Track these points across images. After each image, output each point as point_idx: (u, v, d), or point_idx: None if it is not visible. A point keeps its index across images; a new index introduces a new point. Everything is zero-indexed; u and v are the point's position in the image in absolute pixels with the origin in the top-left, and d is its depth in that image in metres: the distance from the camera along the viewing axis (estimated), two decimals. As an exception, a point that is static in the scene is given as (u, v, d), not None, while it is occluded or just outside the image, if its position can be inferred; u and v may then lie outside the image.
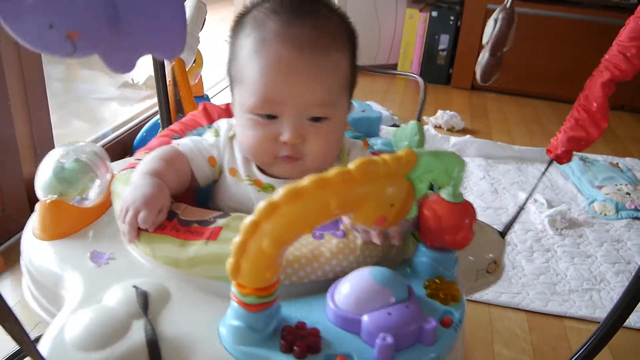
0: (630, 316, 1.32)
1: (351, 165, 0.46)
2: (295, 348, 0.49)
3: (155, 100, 1.53)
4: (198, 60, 1.78)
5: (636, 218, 1.83)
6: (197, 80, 1.83)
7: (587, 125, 0.74)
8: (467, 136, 2.38)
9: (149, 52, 0.42)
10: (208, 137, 0.80)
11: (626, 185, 1.98)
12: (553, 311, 1.37)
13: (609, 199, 1.90)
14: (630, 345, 1.28)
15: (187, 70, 1.64)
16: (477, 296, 1.37)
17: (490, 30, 0.87)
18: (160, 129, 1.38)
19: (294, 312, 0.54)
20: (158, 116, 1.25)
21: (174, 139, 0.83)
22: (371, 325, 0.50)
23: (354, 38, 0.75)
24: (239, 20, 0.74)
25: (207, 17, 1.56)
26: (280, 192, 0.45)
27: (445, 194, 0.60)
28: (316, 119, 0.71)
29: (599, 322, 0.86)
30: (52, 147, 1.58)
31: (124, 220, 0.64)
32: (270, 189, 0.75)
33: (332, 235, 0.63)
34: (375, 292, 0.52)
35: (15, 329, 0.46)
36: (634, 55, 0.69)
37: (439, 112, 2.58)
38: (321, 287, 0.59)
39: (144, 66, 1.34)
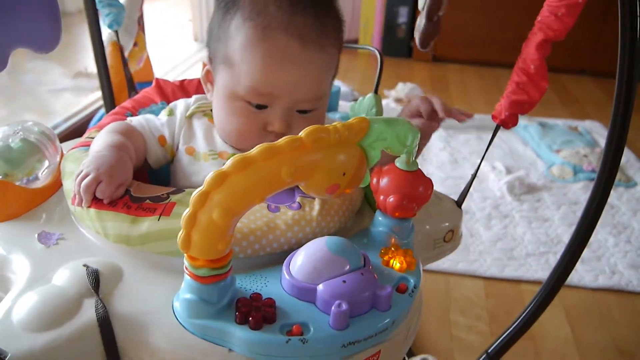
0: (585, 276, 1.38)
1: (302, 134, 0.46)
2: (250, 319, 0.48)
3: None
4: (141, 44, 1.71)
5: (593, 179, 1.88)
6: (142, 64, 1.76)
7: (527, 88, 0.75)
8: (428, 108, 2.40)
9: (20, 46, 0.40)
10: (161, 115, 0.77)
11: (584, 147, 2.03)
12: (509, 276, 1.41)
13: (567, 162, 1.95)
14: (584, 305, 1.33)
15: (127, 54, 1.57)
16: (434, 266, 1.39)
17: None
18: (105, 112, 1.34)
19: (250, 284, 0.54)
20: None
21: (127, 116, 0.81)
22: (326, 293, 0.50)
23: (344, 29, 0.73)
24: None
25: (162, 1, 1.51)
26: (229, 162, 0.44)
27: (399, 162, 0.60)
28: (304, 111, 0.70)
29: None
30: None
31: (80, 182, 0.62)
32: None
33: (287, 208, 0.62)
34: (330, 262, 0.52)
35: None
36: (564, 14, 0.70)
37: (400, 84, 2.59)
38: (277, 259, 0.59)
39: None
